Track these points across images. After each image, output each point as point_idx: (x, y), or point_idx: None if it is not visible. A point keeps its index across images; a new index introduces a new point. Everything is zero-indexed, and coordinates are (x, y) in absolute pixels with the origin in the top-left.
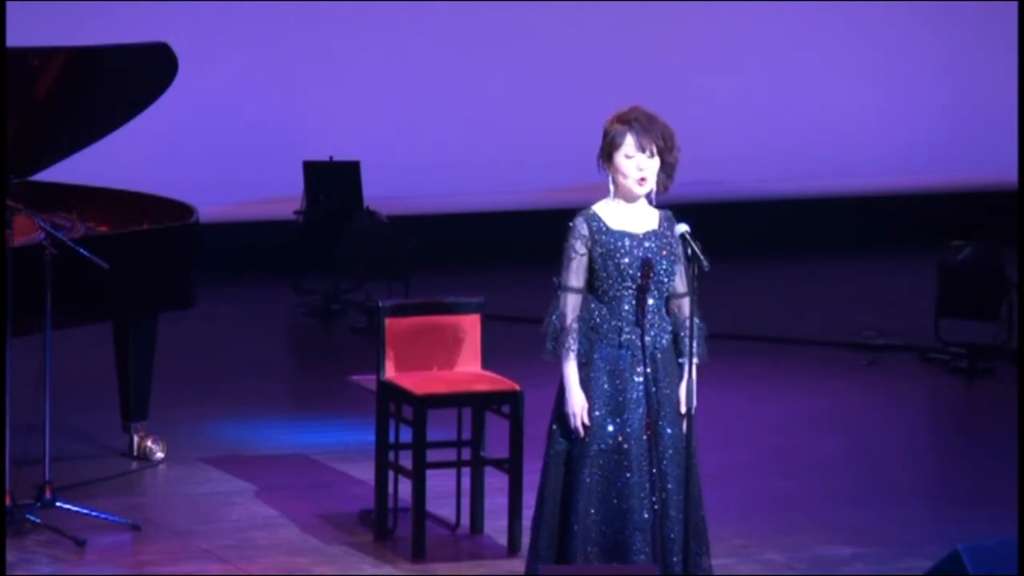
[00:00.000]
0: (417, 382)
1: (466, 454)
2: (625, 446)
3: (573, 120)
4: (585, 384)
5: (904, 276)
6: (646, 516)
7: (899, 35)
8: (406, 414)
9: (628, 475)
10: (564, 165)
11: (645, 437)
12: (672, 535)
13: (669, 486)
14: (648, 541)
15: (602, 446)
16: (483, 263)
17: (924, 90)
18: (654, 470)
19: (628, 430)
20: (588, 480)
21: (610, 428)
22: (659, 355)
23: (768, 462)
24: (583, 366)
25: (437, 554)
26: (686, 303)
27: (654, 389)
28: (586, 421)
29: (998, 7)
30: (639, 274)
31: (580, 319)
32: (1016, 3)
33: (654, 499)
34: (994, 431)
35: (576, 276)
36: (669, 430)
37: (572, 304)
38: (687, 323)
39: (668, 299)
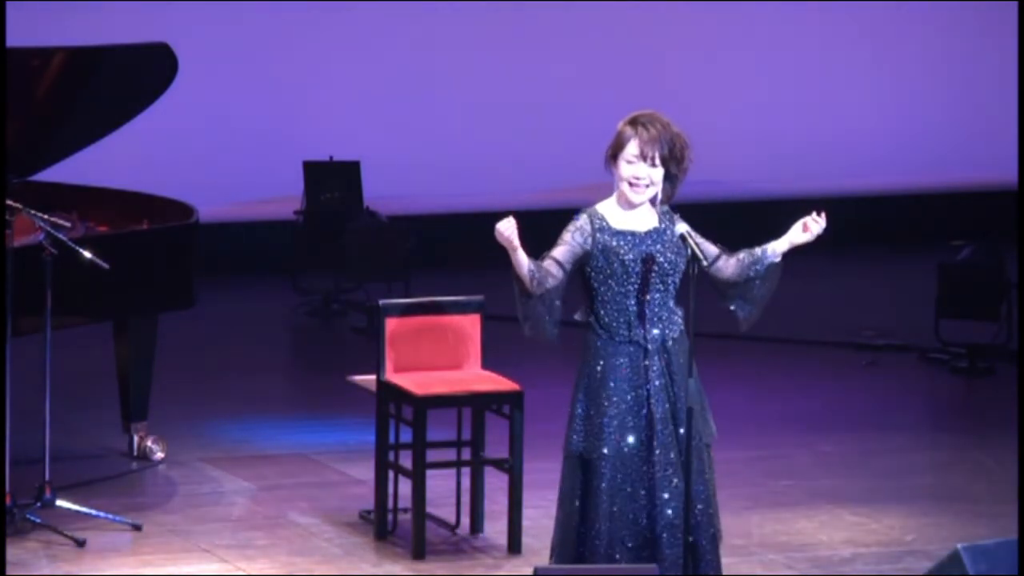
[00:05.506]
0: (417, 382)
1: (466, 454)
2: (650, 442)
3: (573, 120)
4: (601, 383)
5: (904, 276)
6: (673, 511)
7: (899, 35)
8: (406, 414)
9: (655, 470)
10: (564, 165)
11: (669, 429)
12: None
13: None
14: (679, 538)
15: (623, 446)
16: (483, 263)
17: (924, 90)
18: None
19: (650, 425)
20: (611, 480)
21: (630, 427)
22: (671, 347)
23: (768, 462)
24: (599, 365)
25: (437, 554)
26: (731, 259)
27: (670, 383)
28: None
29: (998, 7)
30: (642, 269)
31: (592, 319)
32: (1016, 3)
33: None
34: (994, 431)
35: (559, 250)
36: (684, 424)
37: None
38: (740, 267)
39: (714, 262)
